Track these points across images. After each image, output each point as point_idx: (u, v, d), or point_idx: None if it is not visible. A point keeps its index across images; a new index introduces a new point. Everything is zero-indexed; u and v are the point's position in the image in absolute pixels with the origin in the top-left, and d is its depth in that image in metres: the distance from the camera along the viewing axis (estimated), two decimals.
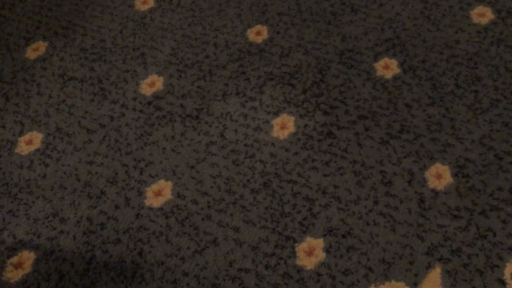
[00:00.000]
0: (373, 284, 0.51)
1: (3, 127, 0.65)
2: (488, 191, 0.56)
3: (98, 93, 0.67)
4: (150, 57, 0.70)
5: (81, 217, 0.57)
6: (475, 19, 0.71)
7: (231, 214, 0.56)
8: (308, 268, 0.52)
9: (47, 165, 0.62)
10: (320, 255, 0.53)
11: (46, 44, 0.74)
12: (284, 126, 0.61)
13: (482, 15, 0.72)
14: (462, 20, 0.71)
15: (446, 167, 0.58)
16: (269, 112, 0.62)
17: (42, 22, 0.77)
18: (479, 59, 0.67)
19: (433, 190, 0.56)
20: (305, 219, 0.55)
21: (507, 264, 0.51)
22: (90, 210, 0.58)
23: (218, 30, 0.73)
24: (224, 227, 0.56)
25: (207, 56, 0.70)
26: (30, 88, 0.69)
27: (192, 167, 0.60)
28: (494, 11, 0.72)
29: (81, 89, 0.68)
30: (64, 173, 0.61)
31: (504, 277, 0.50)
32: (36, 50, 0.73)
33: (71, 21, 0.76)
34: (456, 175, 0.57)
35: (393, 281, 0.51)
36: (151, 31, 0.73)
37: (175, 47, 0.71)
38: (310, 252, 0.53)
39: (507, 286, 0.50)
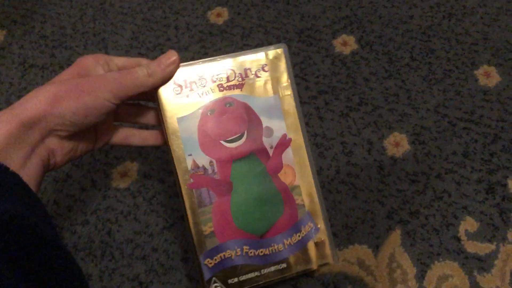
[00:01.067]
0: (337, 249, 0.53)
1: None
2: (443, 156, 0.59)
3: None
4: (111, 41, 0.70)
5: (48, 201, 0.57)
6: None
7: None
8: None
9: None
10: None
11: (4, 32, 0.73)
12: None
13: None
14: None
15: (403, 136, 0.60)
16: None
17: None
18: (432, 33, 0.70)
19: (391, 158, 0.59)
20: None
21: (462, 222, 0.54)
22: (56, 193, 0.58)
23: (178, 13, 0.73)
24: None
25: (168, 39, 0.70)
26: None
27: (158, 147, 0.61)
28: None
29: (42, 76, 0.68)
30: None
31: (459, 234, 0.53)
32: None
33: (29, 9, 0.76)
34: (413, 142, 0.60)
35: (356, 245, 0.53)
36: (111, 16, 0.73)
37: (136, 31, 0.71)
38: None
39: (462, 242, 0.53)
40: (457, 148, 0.59)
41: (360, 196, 0.56)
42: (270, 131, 0.43)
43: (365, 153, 0.59)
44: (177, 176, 0.42)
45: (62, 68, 0.68)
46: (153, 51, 0.69)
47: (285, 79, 0.44)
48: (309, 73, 0.66)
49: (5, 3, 0.76)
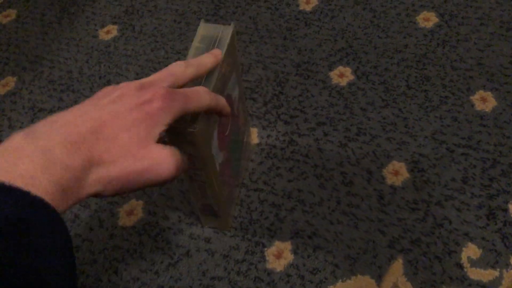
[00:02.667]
0: (340, 280, 0.53)
1: None
2: (442, 183, 0.59)
3: None
4: (116, 83, 0.73)
5: None
6: (421, 23, 0.76)
7: (202, 226, 0.59)
8: (278, 270, 0.55)
9: None
10: (289, 256, 0.55)
11: (15, 79, 0.76)
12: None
13: (427, 19, 0.76)
14: (409, 25, 0.76)
15: (402, 164, 0.61)
16: None
17: (10, 58, 0.79)
18: (427, 61, 0.71)
19: (391, 186, 0.60)
20: (272, 224, 0.58)
21: (464, 249, 0.54)
22: None
23: (180, 52, 0.76)
24: (195, 239, 0.58)
25: None
26: (1, 122, 0.71)
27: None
28: (438, 15, 0.77)
29: None
30: None
31: (462, 261, 0.53)
32: (5, 85, 0.76)
33: (38, 55, 0.79)
34: (412, 170, 0.61)
35: (358, 275, 0.54)
36: (115, 59, 0.76)
37: (140, 72, 0.74)
38: (279, 255, 0.56)
39: (465, 269, 0.53)
40: (456, 174, 0.60)
41: (361, 226, 0.57)
42: None
43: (364, 183, 0.60)
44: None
45: None
46: None
47: None
48: (307, 106, 0.68)
49: (15, 51, 0.80)
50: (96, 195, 0.31)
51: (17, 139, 0.28)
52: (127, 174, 0.32)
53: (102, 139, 0.31)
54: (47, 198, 0.27)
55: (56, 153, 0.28)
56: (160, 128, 0.33)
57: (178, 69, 0.37)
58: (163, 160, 0.33)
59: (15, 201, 0.25)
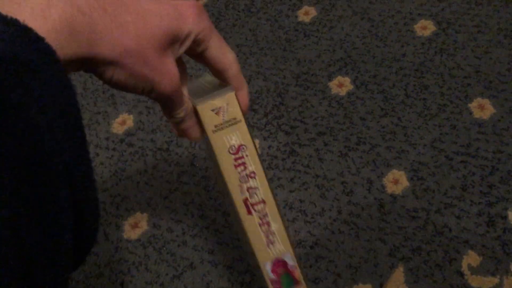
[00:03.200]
0: None
1: None
2: (442, 190, 0.60)
3: None
4: (119, 97, 0.75)
5: None
6: (419, 32, 0.77)
7: (205, 238, 0.60)
8: None
9: None
10: None
11: None
12: None
13: (425, 28, 0.77)
14: (407, 34, 0.77)
15: (402, 172, 0.62)
16: None
17: None
18: (425, 69, 0.72)
19: (391, 195, 0.60)
20: None
21: (464, 256, 0.55)
22: None
23: None
24: (199, 251, 0.59)
25: None
26: None
27: (166, 197, 0.64)
28: (435, 23, 0.77)
29: None
30: None
31: (462, 269, 0.54)
32: None
33: None
34: (411, 178, 0.61)
35: (360, 284, 0.54)
36: None
37: None
38: None
39: (465, 277, 0.53)
40: (455, 182, 0.60)
41: (362, 235, 0.57)
42: None
43: (365, 192, 0.61)
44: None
45: None
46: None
47: None
48: (307, 116, 0.69)
49: None
50: (97, 70, 0.28)
51: None
52: (132, 74, 0.28)
53: (130, 12, 0.27)
54: (53, 34, 0.23)
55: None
56: (182, 33, 0.29)
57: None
58: (170, 77, 0.30)
59: (15, 38, 0.21)
